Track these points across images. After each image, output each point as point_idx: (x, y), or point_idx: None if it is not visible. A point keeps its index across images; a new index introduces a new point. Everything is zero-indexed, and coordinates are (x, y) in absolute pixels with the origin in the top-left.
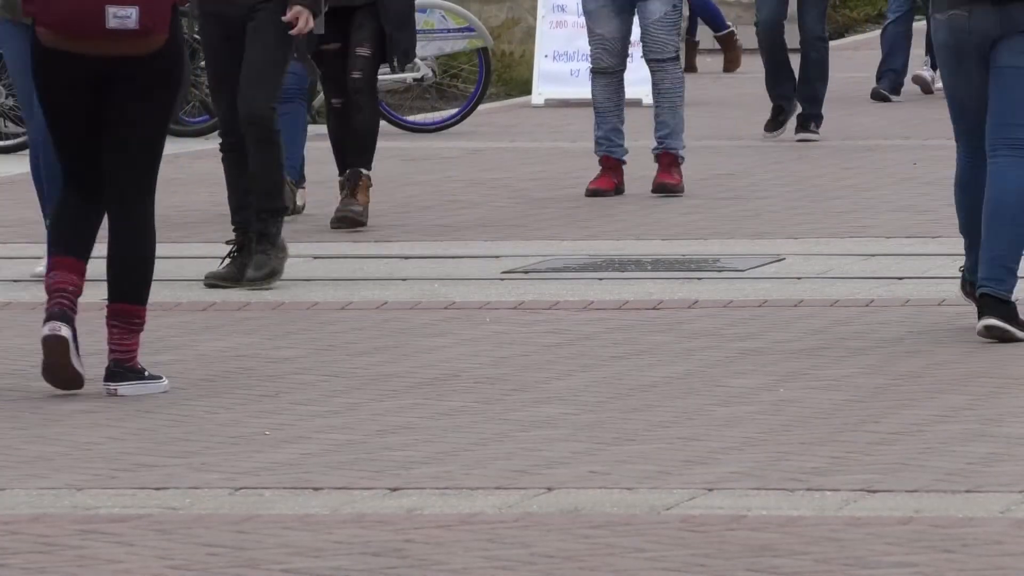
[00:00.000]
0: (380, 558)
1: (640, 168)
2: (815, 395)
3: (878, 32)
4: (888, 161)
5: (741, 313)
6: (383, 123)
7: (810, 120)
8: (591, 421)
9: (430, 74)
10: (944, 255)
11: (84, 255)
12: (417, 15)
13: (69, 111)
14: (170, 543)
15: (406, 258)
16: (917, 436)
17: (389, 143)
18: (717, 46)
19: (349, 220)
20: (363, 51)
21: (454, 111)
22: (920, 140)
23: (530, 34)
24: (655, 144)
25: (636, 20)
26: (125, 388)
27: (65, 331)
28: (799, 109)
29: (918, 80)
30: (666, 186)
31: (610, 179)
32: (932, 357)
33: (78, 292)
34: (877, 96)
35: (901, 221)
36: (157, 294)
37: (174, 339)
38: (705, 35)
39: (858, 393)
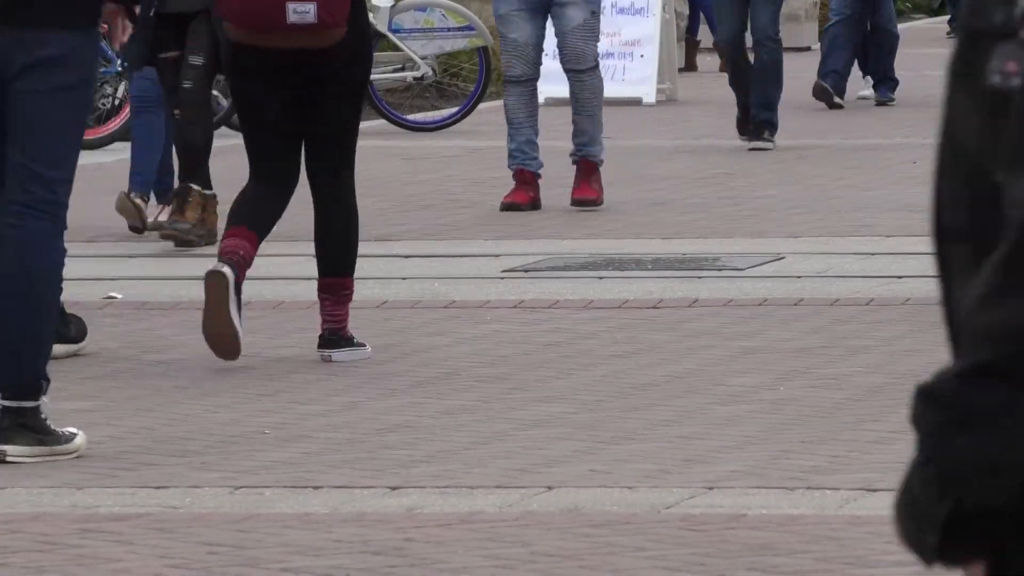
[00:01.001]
0: (380, 557)
1: (640, 167)
2: (815, 394)
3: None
4: (888, 160)
5: (741, 312)
6: (383, 122)
7: (763, 127)
8: (591, 420)
9: (430, 73)
10: None
11: (260, 231)
12: (417, 14)
13: (260, 103)
14: (170, 542)
15: (406, 257)
16: None
17: (389, 142)
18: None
19: (174, 238)
20: (195, 60)
21: (454, 110)
22: (920, 139)
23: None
24: (573, 149)
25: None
26: (338, 354)
27: (228, 270)
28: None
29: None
30: (584, 200)
31: (526, 193)
32: (932, 356)
33: (248, 259)
34: (820, 94)
35: (901, 220)
36: (157, 293)
37: (174, 338)
38: (706, 34)
39: (858, 392)
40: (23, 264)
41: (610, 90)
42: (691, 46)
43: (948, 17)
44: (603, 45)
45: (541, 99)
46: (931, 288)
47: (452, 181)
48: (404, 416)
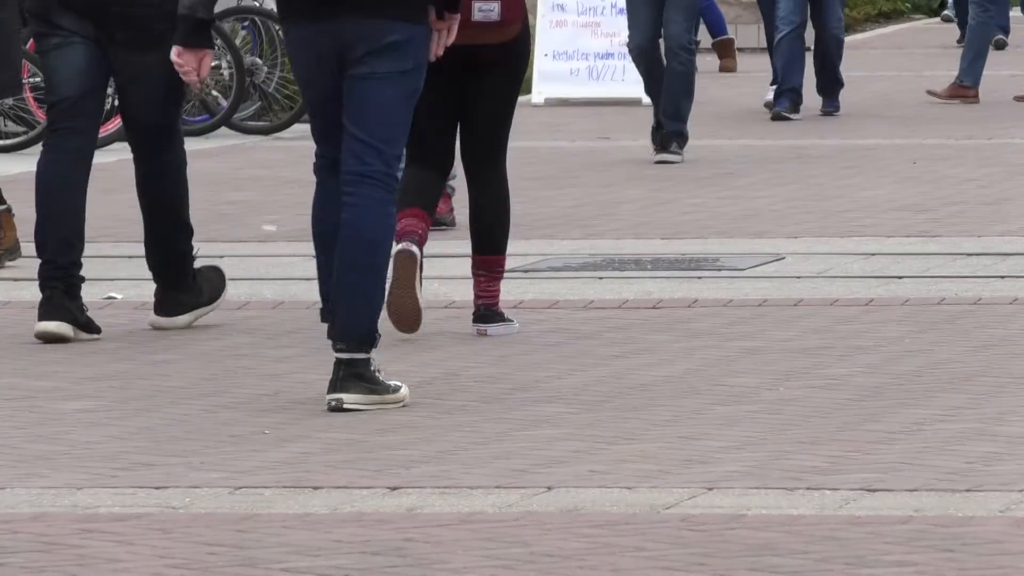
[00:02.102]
0: (380, 557)
1: (639, 167)
2: (815, 394)
3: (878, 31)
4: (888, 160)
5: (741, 312)
6: None
7: (672, 139)
8: (591, 420)
9: None
10: (944, 254)
11: (430, 210)
12: None
13: (433, 94)
14: (170, 542)
15: None
16: (917, 435)
17: None
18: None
19: None
20: None
21: None
22: (920, 139)
23: (530, 33)
24: None
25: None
26: (492, 329)
27: (415, 249)
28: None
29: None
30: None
31: (444, 205)
32: (932, 356)
33: (424, 236)
34: (778, 118)
35: (901, 220)
36: None
37: (174, 337)
38: (705, 35)
39: (858, 392)
40: (359, 229)
41: (610, 90)
42: None
43: (944, 12)
44: (603, 45)
45: (540, 99)
46: (931, 288)
47: (452, 180)
48: (404, 416)
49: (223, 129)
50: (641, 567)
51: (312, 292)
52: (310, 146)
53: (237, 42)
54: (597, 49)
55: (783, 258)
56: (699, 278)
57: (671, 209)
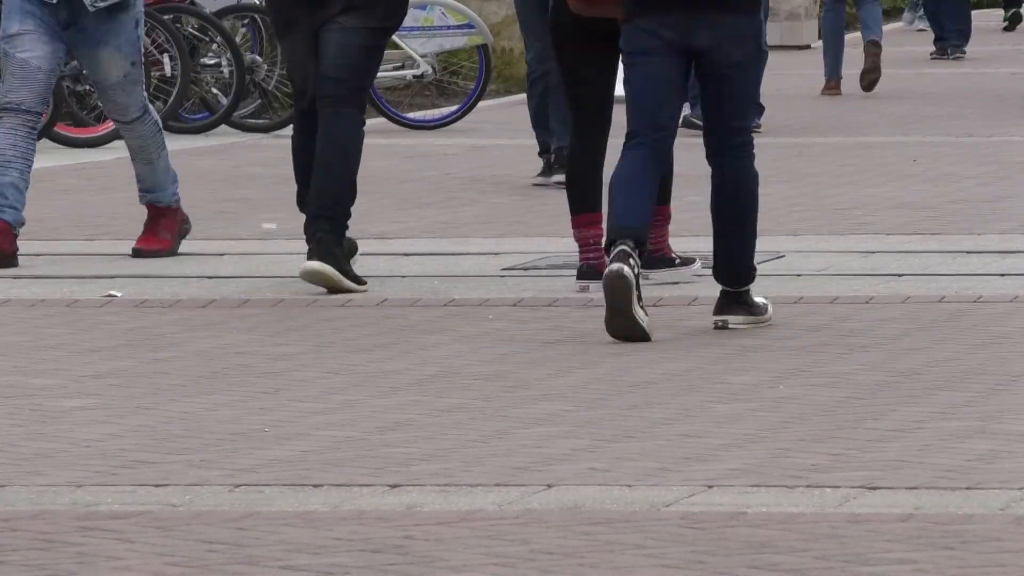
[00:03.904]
0: (380, 555)
1: None
2: (815, 392)
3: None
4: (888, 158)
5: None
6: (383, 120)
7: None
8: (591, 418)
9: (430, 71)
10: (944, 252)
11: (598, 208)
12: (417, 12)
13: (580, 64)
14: (170, 540)
15: (406, 255)
16: (917, 433)
17: (389, 140)
18: None
19: None
20: None
21: (454, 108)
22: (920, 137)
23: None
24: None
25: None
26: (655, 274)
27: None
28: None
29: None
30: (142, 252)
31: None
32: (932, 354)
33: (599, 239)
34: (689, 124)
35: (901, 218)
36: (158, 291)
37: (174, 336)
38: None
39: (858, 390)
40: (737, 185)
41: None
42: None
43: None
44: None
45: None
46: (931, 286)
47: (452, 179)
48: (404, 414)
49: (223, 127)
50: (641, 565)
51: (312, 289)
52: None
53: (237, 40)
54: None
55: (783, 256)
56: (699, 276)
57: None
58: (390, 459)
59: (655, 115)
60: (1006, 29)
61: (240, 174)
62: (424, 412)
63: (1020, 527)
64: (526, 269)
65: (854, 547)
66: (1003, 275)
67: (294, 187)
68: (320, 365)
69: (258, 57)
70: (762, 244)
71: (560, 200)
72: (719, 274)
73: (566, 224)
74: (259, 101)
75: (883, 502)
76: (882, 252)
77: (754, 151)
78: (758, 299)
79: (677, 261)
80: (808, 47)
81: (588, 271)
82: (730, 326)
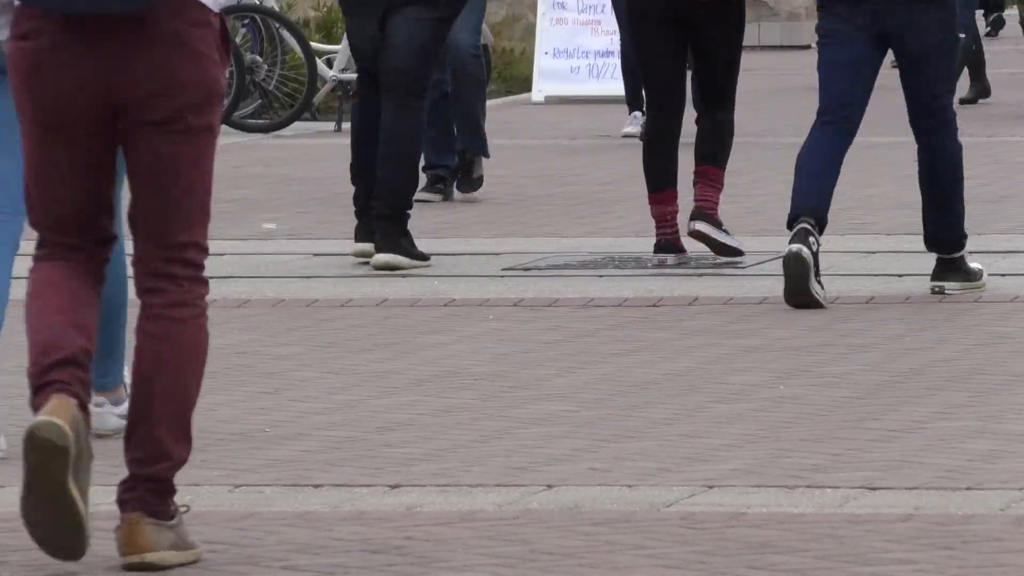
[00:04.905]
0: (380, 555)
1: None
2: (815, 392)
3: None
4: (888, 157)
5: (741, 310)
6: None
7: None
8: (591, 418)
9: None
10: None
11: (675, 184)
12: None
13: (656, 43)
14: None
15: None
16: (917, 433)
17: None
18: None
19: None
20: None
21: None
22: None
23: (530, 31)
24: None
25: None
26: (701, 225)
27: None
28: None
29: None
30: None
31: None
32: (932, 354)
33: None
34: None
35: (901, 218)
36: None
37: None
38: None
39: (858, 390)
40: (943, 159)
41: (610, 88)
42: None
43: None
44: (603, 43)
45: (541, 97)
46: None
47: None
48: (404, 414)
49: (223, 127)
50: (641, 565)
51: (311, 289)
52: (310, 144)
53: (237, 40)
54: (597, 47)
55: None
56: (699, 276)
57: None
58: (390, 459)
59: (842, 93)
60: (988, 35)
61: (240, 174)
62: (424, 412)
63: (1020, 527)
64: (526, 269)
65: (854, 547)
66: (1003, 275)
67: (294, 187)
68: (320, 365)
69: (258, 57)
70: (762, 244)
71: (560, 200)
72: (931, 243)
73: (566, 224)
74: (259, 101)
75: (883, 502)
76: (882, 252)
77: (957, 126)
78: (973, 265)
79: (723, 226)
80: (808, 47)
81: (665, 245)
82: (947, 291)
